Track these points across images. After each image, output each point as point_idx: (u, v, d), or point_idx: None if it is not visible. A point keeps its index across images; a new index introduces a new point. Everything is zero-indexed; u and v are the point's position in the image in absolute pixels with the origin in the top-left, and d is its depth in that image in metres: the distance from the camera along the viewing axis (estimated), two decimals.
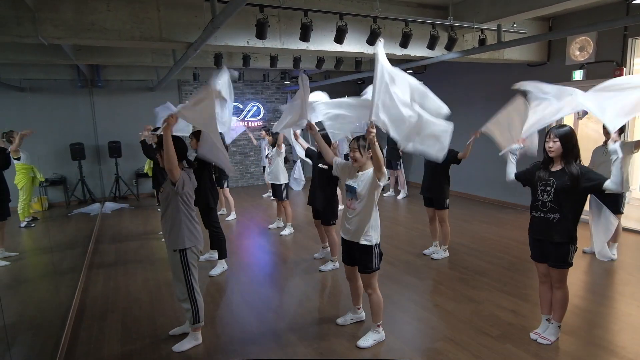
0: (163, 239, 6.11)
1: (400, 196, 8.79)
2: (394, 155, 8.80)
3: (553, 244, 3.00)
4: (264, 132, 7.67)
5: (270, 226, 6.72)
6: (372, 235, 3.09)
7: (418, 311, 3.82)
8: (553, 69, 6.89)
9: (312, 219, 5.16)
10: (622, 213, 4.91)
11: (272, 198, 7.76)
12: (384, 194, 9.08)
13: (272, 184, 6.37)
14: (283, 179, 6.19)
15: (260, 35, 4.09)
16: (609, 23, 4.73)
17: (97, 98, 9.17)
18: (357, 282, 3.46)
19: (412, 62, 6.65)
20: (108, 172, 9.38)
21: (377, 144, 2.78)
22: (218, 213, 7.25)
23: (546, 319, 3.29)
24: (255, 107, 10.75)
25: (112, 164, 9.23)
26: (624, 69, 5.92)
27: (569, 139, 2.93)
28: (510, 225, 6.56)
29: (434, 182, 4.89)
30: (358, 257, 3.17)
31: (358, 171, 3.11)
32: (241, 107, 10.58)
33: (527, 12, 4.74)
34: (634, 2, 3.30)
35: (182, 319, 3.57)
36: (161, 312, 3.90)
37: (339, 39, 4.51)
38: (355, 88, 11.76)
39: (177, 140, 3.12)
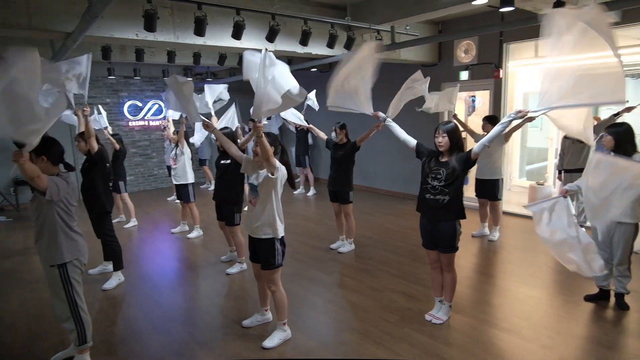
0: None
1: (309, 193, 8.90)
2: (303, 152, 8.89)
3: (441, 225, 3.25)
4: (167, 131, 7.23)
5: (174, 230, 6.37)
6: (272, 230, 3.08)
7: (324, 305, 3.89)
8: (443, 69, 7.48)
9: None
10: (500, 199, 5.50)
11: (177, 201, 7.35)
12: (294, 192, 9.14)
13: (177, 185, 6.01)
14: (190, 179, 5.89)
15: (149, 27, 3.82)
16: (484, 29, 5.24)
17: None
18: (265, 281, 3.41)
19: (316, 61, 6.75)
20: None
21: (263, 137, 2.76)
22: (115, 220, 6.75)
23: (439, 301, 3.55)
24: (157, 106, 10.09)
25: None
26: (501, 70, 6.62)
27: (454, 134, 3.22)
28: (410, 215, 6.99)
29: (340, 175, 5.02)
30: (260, 253, 3.13)
31: (259, 169, 3.08)
32: (140, 105, 9.86)
33: (418, 15, 5.06)
34: (500, 10, 3.66)
35: (67, 342, 3.21)
36: (42, 336, 3.46)
37: (237, 35, 4.39)
38: None
39: (52, 143, 2.79)
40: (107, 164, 4.30)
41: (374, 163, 8.84)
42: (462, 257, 4.97)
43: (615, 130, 3.48)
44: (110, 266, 4.57)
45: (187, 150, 5.90)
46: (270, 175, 2.95)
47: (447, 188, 3.18)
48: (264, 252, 3.11)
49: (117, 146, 6.13)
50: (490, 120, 5.29)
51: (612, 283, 3.67)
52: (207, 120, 3.35)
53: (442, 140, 3.21)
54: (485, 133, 5.29)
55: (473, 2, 3.37)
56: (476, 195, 5.62)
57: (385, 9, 5.41)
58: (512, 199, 7.60)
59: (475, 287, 4.23)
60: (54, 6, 3.88)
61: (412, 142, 3.53)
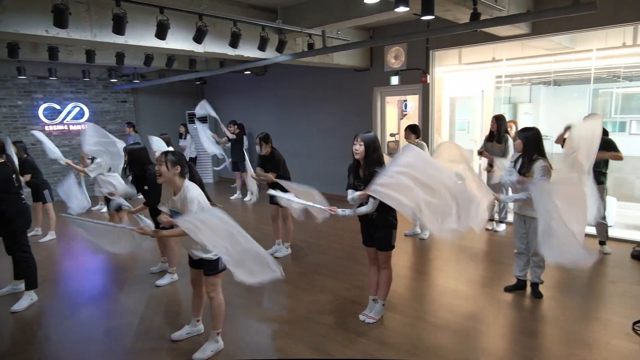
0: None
1: (247, 198, 8.73)
2: (239, 157, 8.71)
3: (378, 231, 3.36)
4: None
5: None
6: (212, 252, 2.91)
7: (259, 312, 3.80)
8: (375, 74, 7.70)
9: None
10: None
11: (103, 211, 6.89)
12: (231, 198, 8.92)
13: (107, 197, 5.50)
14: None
15: (60, 23, 3.52)
16: (410, 35, 5.47)
17: None
18: (201, 288, 3.25)
19: (248, 63, 6.64)
20: None
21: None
22: (31, 234, 6.15)
23: (372, 299, 3.61)
24: (78, 108, 9.36)
25: None
26: (428, 75, 6.95)
27: (371, 144, 3.23)
28: (346, 219, 7.08)
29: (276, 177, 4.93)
30: (203, 262, 3.00)
31: (173, 195, 2.89)
32: (58, 108, 9.09)
33: (346, 21, 5.16)
34: (422, 18, 3.83)
35: None
36: None
37: (160, 35, 4.19)
38: (196, 89, 11.30)
39: None
40: (9, 182, 3.85)
41: (310, 165, 8.88)
42: (395, 255, 5.05)
43: (524, 135, 3.76)
44: (21, 285, 4.13)
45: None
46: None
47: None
48: (207, 262, 2.99)
49: (23, 155, 5.55)
50: (412, 129, 5.47)
51: (528, 273, 3.96)
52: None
53: (359, 148, 3.22)
54: (407, 142, 5.51)
55: (396, 10, 3.48)
56: None
57: (315, 14, 5.45)
58: None
59: (407, 284, 4.37)
60: None
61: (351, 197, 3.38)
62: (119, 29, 3.89)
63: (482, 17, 4.43)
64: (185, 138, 9.35)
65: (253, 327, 3.55)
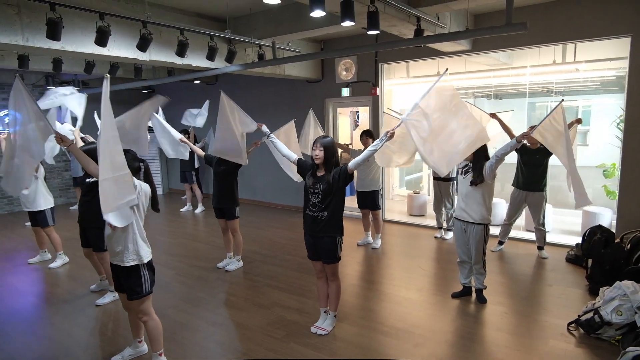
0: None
1: (197, 210, 8.49)
2: (189, 167, 8.46)
3: (324, 240, 3.31)
4: None
5: (31, 260, 5.51)
6: (136, 255, 2.79)
7: (207, 328, 3.67)
8: (327, 85, 7.80)
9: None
10: (380, 208, 5.85)
11: (27, 223, 6.41)
12: (181, 210, 8.63)
13: (30, 212, 5.17)
14: (44, 204, 5.12)
15: None
16: (359, 49, 5.59)
17: None
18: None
19: (198, 72, 6.50)
20: None
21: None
22: None
23: (324, 311, 3.60)
24: (12, 115, 8.70)
25: None
26: (378, 88, 7.12)
27: (329, 148, 3.29)
28: (299, 228, 7.03)
29: (224, 191, 4.85)
30: (125, 282, 2.83)
31: None
32: None
33: (296, 33, 5.20)
34: (368, 32, 3.93)
35: None
36: None
37: (100, 41, 4.00)
38: (142, 97, 10.85)
39: None
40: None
41: (262, 176, 8.78)
42: (347, 265, 5.15)
43: None
44: None
45: (40, 171, 5.12)
46: None
47: (324, 204, 3.24)
48: (128, 281, 2.82)
49: None
50: (368, 134, 5.60)
51: (472, 280, 4.11)
52: (60, 134, 2.84)
53: (319, 153, 3.28)
54: (364, 147, 5.61)
55: (342, 24, 3.55)
56: (358, 207, 5.89)
57: (265, 25, 5.45)
58: (394, 207, 8.17)
59: (358, 294, 4.39)
60: None
61: (293, 156, 3.57)
62: (53, 35, 3.66)
63: (425, 34, 4.61)
64: None
65: (201, 344, 3.41)
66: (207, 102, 7.54)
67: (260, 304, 4.10)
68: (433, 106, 3.27)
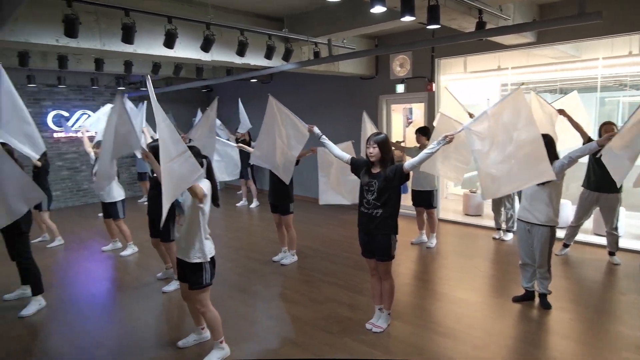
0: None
1: (252, 205, 8.75)
2: (245, 164, 8.73)
3: (377, 238, 3.31)
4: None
5: (105, 248, 5.96)
6: (201, 253, 2.95)
7: (264, 320, 3.79)
8: (381, 82, 7.73)
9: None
10: (435, 207, 5.72)
11: (100, 214, 6.91)
12: (237, 204, 8.94)
13: (104, 204, 5.58)
14: (117, 196, 5.52)
15: (70, 33, 3.57)
16: (416, 44, 5.49)
17: None
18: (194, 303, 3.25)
19: (255, 71, 6.69)
20: None
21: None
22: (37, 240, 6.20)
23: (378, 309, 3.59)
24: (86, 116, 9.47)
25: None
26: (434, 84, 6.96)
27: (385, 145, 3.27)
28: (353, 226, 7.03)
29: (278, 188, 4.96)
30: (188, 274, 2.99)
31: None
32: (67, 115, 9.20)
33: (352, 30, 5.19)
34: (428, 27, 3.85)
35: None
36: None
37: (168, 44, 4.24)
38: (203, 96, 11.40)
39: None
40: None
41: (316, 174, 8.87)
42: (401, 264, 5.10)
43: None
44: (29, 290, 4.16)
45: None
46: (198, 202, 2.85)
47: (379, 201, 3.23)
48: (191, 274, 2.98)
49: (39, 164, 5.52)
50: (423, 131, 5.47)
51: (536, 284, 3.92)
52: (146, 151, 3.20)
53: (373, 151, 3.26)
54: (418, 145, 5.51)
55: (402, 19, 3.50)
56: (413, 204, 5.80)
57: (321, 23, 5.49)
58: (449, 206, 7.96)
59: (413, 293, 4.34)
60: None
61: (346, 157, 3.55)
62: (127, 39, 3.94)
63: (488, 26, 4.44)
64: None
65: (258, 334, 3.54)
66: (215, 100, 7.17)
67: (314, 299, 4.17)
68: (501, 122, 3.08)
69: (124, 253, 5.69)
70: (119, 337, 3.60)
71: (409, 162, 3.22)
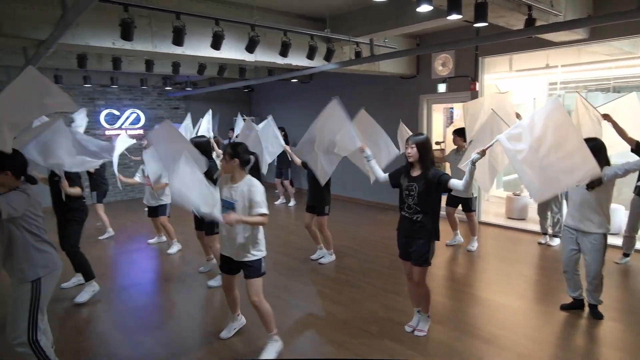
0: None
1: (290, 204, 8.87)
2: (285, 165, 8.86)
3: (416, 242, 3.24)
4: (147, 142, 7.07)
5: (150, 241, 6.22)
6: (256, 251, 3.04)
7: (303, 317, 3.84)
8: (422, 81, 7.62)
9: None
10: (474, 210, 5.56)
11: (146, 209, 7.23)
12: (275, 203, 9.08)
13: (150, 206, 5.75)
14: (166, 199, 5.67)
15: (126, 36, 3.77)
16: (460, 43, 5.37)
17: None
18: (234, 293, 3.36)
19: (296, 71, 6.77)
20: None
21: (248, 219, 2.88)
22: (104, 236, 6.54)
23: (417, 311, 3.55)
24: (135, 114, 9.93)
25: None
26: (477, 83, 6.78)
27: (424, 146, 3.19)
28: (391, 226, 6.97)
29: (316, 191, 4.96)
30: (245, 265, 3.06)
31: (231, 182, 2.99)
32: (117, 114, 9.68)
33: (393, 29, 5.16)
34: (474, 25, 3.76)
35: None
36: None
37: (215, 45, 4.37)
38: (244, 96, 11.65)
39: (16, 156, 2.65)
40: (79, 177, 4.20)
41: (354, 174, 8.87)
42: (440, 267, 5.02)
43: (589, 145, 3.57)
44: (82, 278, 4.42)
45: None
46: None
47: (420, 206, 3.16)
48: (247, 269, 3.06)
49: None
50: (460, 133, 5.32)
51: (584, 293, 3.74)
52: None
53: (412, 151, 3.19)
54: (455, 147, 5.38)
55: (448, 17, 3.45)
56: (446, 204, 5.60)
57: (364, 22, 5.49)
58: (490, 209, 7.73)
59: (454, 296, 4.26)
60: (26, 13, 3.79)
61: (384, 176, 3.46)
62: (178, 41, 4.10)
63: (538, 23, 4.29)
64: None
65: (298, 330, 3.59)
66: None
67: (352, 298, 4.18)
68: (539, 134, 2.86)
69: (170, 251, 5.77)
70: (166, 326, 3.76)
71: (453, 183, 3.08)
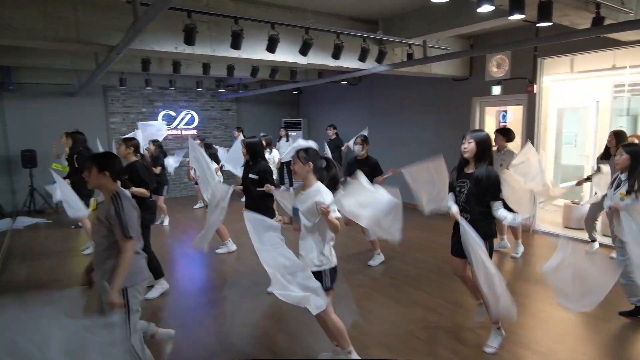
0: (84, 253, 5.71)
1: None
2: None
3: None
4: (199, 140, 7.43)
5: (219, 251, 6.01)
6: (322, 260, 2.83)
7: (351, 319, 3.84)
8: (474, 83, 7.40)
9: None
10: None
11: (200, 204, 7.55)
12: None
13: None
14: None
15: (189, 41, 3.96)
16: (518, 44, 5.17)
17: (8, 102, 8.34)
18: None
19: (346, 74, 6.80)
20: (21, 184, 8.53)
21: (331, 216, 2.64)
22: (157, 222, 6.93)
23: (477, 304, 3.41)
24: (189, 115, 10.39)
25: (25, 175, 8.40)
26: (535, 85, 6.49)
27: (482, 143, 3.06)
28: (439, 231, 6.86)
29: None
30: None
31: (302, 190, 2.87)
32: (174, 114, 10.17)
33: (449, 30, 5.05)
34: (537, 25, 3.61)
35: None
36: None
37: (271, 48, 4.49)
38: (292, 98, 11.85)
39: (114, 159, 2.70)
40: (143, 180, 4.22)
41: (401, 176, 8.76)
42: None
43: (633, 149, 3.34)
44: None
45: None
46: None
47: (469, 205, 3.06)
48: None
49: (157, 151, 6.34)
50: (503, 133, 5.10)
51: None
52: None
53: (468, 146, 3.07)
54: (497, 148, 5.14)
55: (510, 17, 3.33)
56: None
57: (417, 23, 5.42)
58: (545, 217, 7.36)
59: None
60: (101, 21, 4.08)
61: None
62: (236, 44, 4.25)
63: (606, 22, 4.05)
64: (287, 140, 9.70)
65: (349, 332, 3.58)
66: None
67: (400, 302, 4.14)
68: None
69: (219, 251, 5.78)
70: (218, 318, 3.91)
71: (497, 211, 3.04)
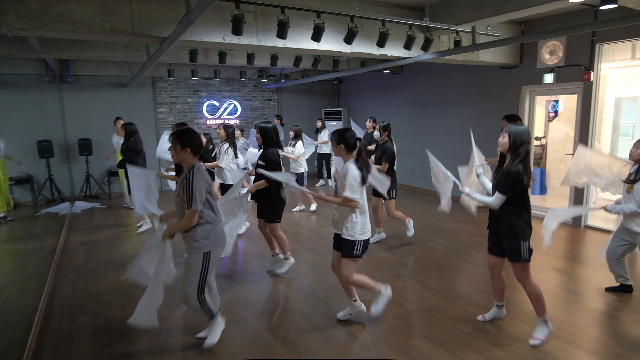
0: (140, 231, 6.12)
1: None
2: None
3: (505, 239, 3.13)
4: (239, 132, 7.56)
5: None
6: (350, 232, 3.21)
7: (392, 308, 3.83)
8: (525, 71, 7.08)
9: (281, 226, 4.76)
10: None
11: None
12: None
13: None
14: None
15: (237, 31, 4.03)
16: (576, 28, 4.87)
17: (67, 94, 8.85)
18: (338, 271, 3.45)
19: (389, 62, 6.70)
20: (78, 171, 9.08)
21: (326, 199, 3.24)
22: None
23: (496, 305, 3.50)
24: (232, 105, 10.62)
25: (82, 162, 8.93)
26: (592, 73, 6.12)
27: (518, 137, 2.95)
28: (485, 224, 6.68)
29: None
30: (342, 241, 3.27)
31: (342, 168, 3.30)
32: (217, 104, 10.43)
33: (500, 15, 4.84)
34: (600, 7, 3.39)
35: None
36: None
37: (316, 37, 4.49)
38: (333, 87, 11.82)
39: (194, 135, 2.96)
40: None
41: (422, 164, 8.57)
42: (540, 270, 4.67)
43: None
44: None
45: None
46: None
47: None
48: (343, 246, 3.27)
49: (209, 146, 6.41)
50: (510, 120, 4.82)
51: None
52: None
53: (502, 140, 3.01)
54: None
55: (571, 0, 3.15)
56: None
57: (465, 9, 5.22)
58: (600, 213, 6.96)
59: (557, 305, 3.94)
60: (154, 13, 4.23)
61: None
62: (282, 34, 4.28)
63: None
64: (321, 132, 9.70)
65: (388, 321, 3.58)
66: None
67: (443, 294, 4.09)
68: None
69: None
70: (263, 298, 4.02)
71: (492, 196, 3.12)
